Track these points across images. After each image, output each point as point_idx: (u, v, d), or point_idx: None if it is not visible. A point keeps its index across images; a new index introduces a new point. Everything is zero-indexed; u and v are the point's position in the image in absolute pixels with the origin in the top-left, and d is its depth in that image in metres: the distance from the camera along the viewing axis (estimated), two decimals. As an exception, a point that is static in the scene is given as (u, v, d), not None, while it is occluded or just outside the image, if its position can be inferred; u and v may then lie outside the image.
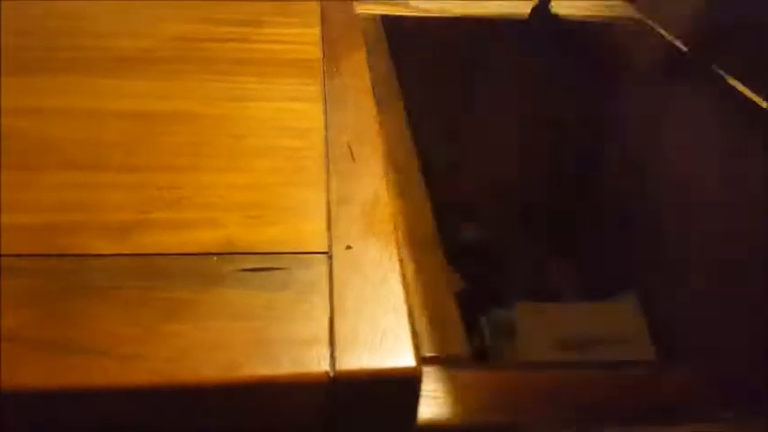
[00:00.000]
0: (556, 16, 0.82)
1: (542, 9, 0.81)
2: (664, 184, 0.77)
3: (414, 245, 0.44)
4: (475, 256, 0.93)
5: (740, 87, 0.66)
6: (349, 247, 0.36)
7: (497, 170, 0.95)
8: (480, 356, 0.73)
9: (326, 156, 0.44)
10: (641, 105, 0.83)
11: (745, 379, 0.38)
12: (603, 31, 0.85)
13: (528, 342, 0.73)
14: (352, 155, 0.45)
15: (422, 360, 0.35)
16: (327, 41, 0.61)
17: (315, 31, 0.63)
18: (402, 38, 0.79)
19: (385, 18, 0.80)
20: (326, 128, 0.47)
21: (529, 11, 0.83)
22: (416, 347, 0.31)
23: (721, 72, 0.68)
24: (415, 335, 0.32)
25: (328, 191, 0.41)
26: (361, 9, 0.82)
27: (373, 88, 0.63)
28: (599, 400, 0.36)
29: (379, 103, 0.60)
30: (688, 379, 0.38)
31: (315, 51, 0.59)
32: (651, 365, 0.56)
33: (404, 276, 0.38)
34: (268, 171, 0.42)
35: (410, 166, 0.53)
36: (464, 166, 0.93)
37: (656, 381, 0.38)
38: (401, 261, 0.37)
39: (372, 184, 0.42)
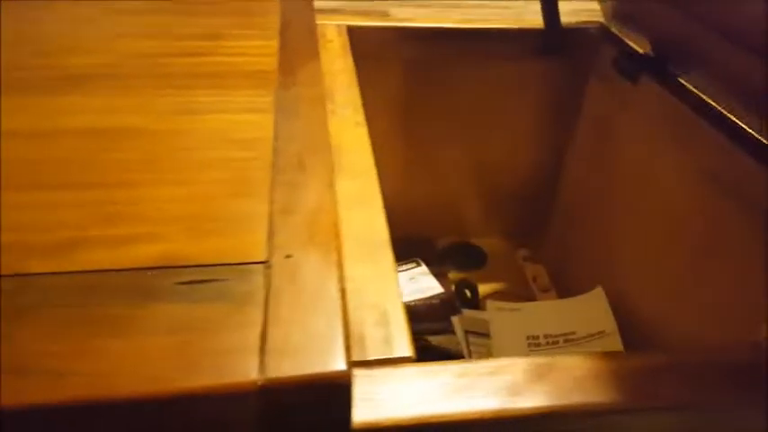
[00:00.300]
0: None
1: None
2: (626, 183, 0.78)
3: (365, 252, 0.44)
4: (449, 260, 0.93)
5: (696, 90, 0.67)
6: (289, 256, 0.37)
7: (469, 175, 0.95)
8: (454, 357, 0.73)
9: (274, 166, 0.44)
10: (605, 108, 0.84)
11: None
12: (568, 35, 0.86)
13: (501, 341, 0.74)
14: (301, 164, 0.46)
15: (363, 363, 0.35)
16: (284, 52, 0.62)
17: (274, 43, 0.64)
18: (369, 48, 0.79)
19: (351, 29, 0.81)
20: (276, 138, 0.48)
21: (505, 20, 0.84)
22: (348, 351, 0.31)
23: (679, 74, 0.69)
24: (347, 339, 0.32)
25: (272, 201, 0.41)
26: (329, 19, 0.82)
27: (333, 97, 0.64)
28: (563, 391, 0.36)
29: (337, 111, 0.61)
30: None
31: (272, 63, 0.59)
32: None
33: (346, 283, 0.39)
34: (213, 183, 0.42)
35: (367, 174, 0.53)
36: (436, 171, 0.94)
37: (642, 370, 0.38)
38: (341, 269, 0.37)
39: (318, 194, 0.43)
